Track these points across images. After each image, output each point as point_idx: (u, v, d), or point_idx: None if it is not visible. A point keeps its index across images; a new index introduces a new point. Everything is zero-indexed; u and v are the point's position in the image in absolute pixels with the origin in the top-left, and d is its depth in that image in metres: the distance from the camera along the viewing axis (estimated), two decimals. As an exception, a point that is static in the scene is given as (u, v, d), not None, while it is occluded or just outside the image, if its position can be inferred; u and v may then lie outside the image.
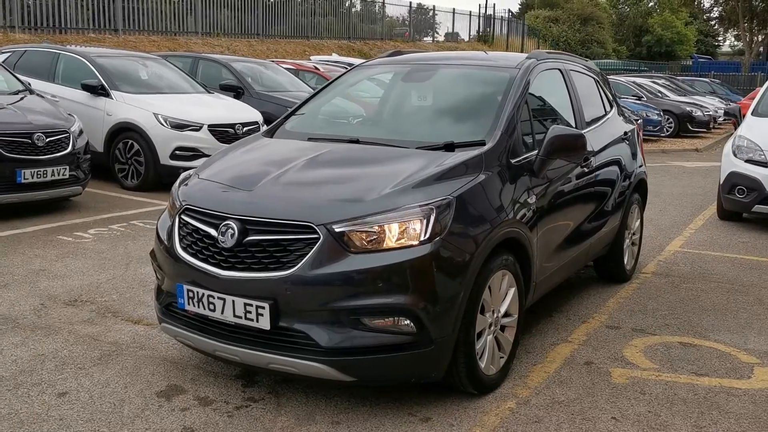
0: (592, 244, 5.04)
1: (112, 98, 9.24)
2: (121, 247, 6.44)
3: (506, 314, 3.80)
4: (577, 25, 50.59)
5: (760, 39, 44.18)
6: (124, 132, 9.15)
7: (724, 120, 23.61)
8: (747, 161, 7.97)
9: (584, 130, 4.81)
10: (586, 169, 4.76)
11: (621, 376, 3.97)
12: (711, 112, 21.19)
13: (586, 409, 3.57)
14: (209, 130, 9.09)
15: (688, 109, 20.04)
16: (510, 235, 3.71)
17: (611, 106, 5.79)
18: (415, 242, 3.24)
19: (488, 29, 38.19)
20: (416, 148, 3.94)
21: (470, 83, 4.62)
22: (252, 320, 3.28)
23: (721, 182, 8.30)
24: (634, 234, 5.96)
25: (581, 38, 50.31)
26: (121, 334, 4.42)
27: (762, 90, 9.19)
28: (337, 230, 3.23)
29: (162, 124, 8.91)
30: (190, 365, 3.99)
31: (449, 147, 3.89)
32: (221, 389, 3.70)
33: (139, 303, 5.00)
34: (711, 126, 21.23)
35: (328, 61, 17.98)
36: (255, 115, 9.86)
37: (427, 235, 3.26)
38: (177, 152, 8.94)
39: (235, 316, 3.32)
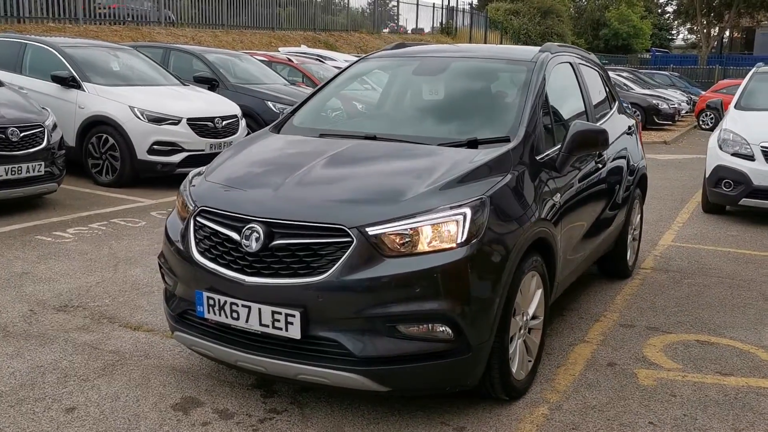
0: (603, 241, 4.96)
1: (84, 90, 8.86)
2: (105, 248, 6.15)
3: (533, 316, 3.68)
4: (537, 18, 50.82)
5: (715, 32, 45.04)
6: (97, 126, 8.78)
7: (687, 112, 24.00)
8: (733, 155, 8.00)
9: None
10: (600, 165, 4.67)
11: (648, 378, 3.88)
12: (676, 105, 21.48)
13: (621, 414, 3.47)
14: (188, 124, 8.78)
15: (654, 101, 20.26)
16: (540, 235, 3.59)
17: (614, 101, 5.71)
18: (452, 245, 3.09)
19: (451, 21, 38.17)
20: (438, 145, 3.79)
21: (486, 77, 4.48)
22: (281, 329, 3.09)
23: (707, 175, 8.33)
24: (635, 229, 5.91)
25: (541, 31, 50.59)
26: (122, 342, 4.18)
27: (743, 83, 9.26)
28: (371, 233, 3.05)
29: (139, 118, 8.58)
30: (203, 375, 3.78)
31: (472, 144, 3.75)
32: (240, 401, 3.51)
33: (135, 308, 4.76)
34: (675, 118, 21.51)
35: (297, 52, 17.68)
36: (234, 108, 9.58)
37: (464, 238, 3.11)
38: (155, 147, 8.62)
39: (261, 324, 3.13)
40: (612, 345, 4.35)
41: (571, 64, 4.86)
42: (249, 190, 3.43)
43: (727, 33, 47.11)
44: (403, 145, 3.80)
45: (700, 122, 22.21)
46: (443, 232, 3.11)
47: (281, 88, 11.49)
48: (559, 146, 4.02)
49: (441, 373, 3.16)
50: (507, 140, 3.76)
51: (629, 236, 5.67)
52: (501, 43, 39.22)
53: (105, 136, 8.72)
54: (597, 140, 4.01)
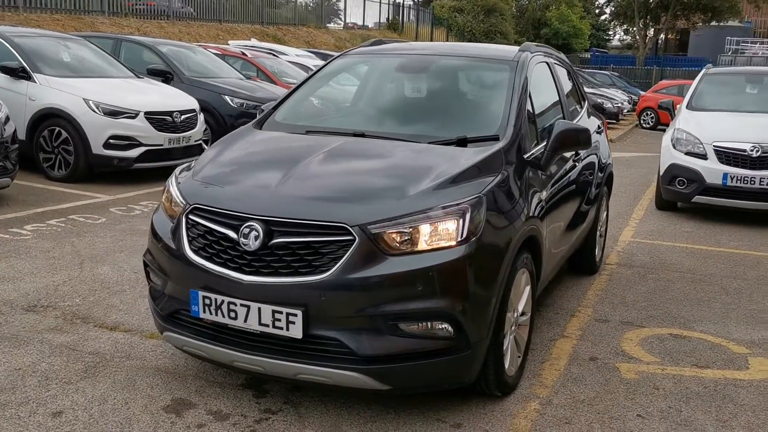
0: (578, 236, 5.07)
1: (35, 82, 8.54)
2: (68, 245, 5.96)
3: (522, 313, 3.73)
4: (481, 16, 51.42)
5: (651, 34, 46.39)
6: (49, 118, 8.48)
7: (629, 111, 24.66)
8: (687, 153, 8.26)
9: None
10: (576, 163, 4.76)
11: (630, 372, 3.98)
12: (619, 104, 22.04)
13: (610, 408, 3.55)
14: (146, 118, 8.57)
15: (599, 100, 20.74)
16: (531, 233, 3.64)
17: (584, 100, 5.83)
18: (452, 243, 3.11)
19: (397, 17, 38.26)
20: (428, 143, 3.80)
21: (470, 76, 4.51)
22: (281, 328, 3.05)
23: (661, 174, 8.58)
24: (602, 225, 6.05)
25: (485, 29, 51.20)
26: (100, 343, 4.06)
27: (694, 85, 9.56)
28: (373, 232, 3.05)
29: (94, 111, 8.32)
30: (190, 375, 3.71)
31: (461, 142, 3.77)
32: (233, 401, 3.45)
33: (108, 307, 4.63)
34: (619, 117, 22.08)
35: (248, 46, 17.45)
36: (192, 102, 9.39)
37: (464, 236, 3.13)
38: (111, 141, 8.37)
39: (261, 324, 3.09)
40: (591, 340, 4.44)
41: (547, 63, 4.93)
42: (245, 188, 3.38)
43: (663, 35, 48.55)
44: (394, 143, 3.80)
45: (642, 121, 22.86)
46: (444, 230, 3.12)
47: (238, 82, 11.32)
48: (543, 144, 4.08)
49: (441, 370, 3.17)
50: (496, 139, 3.80)
51: (597, 232, 5.80)
52: (447, 40, 39.52)
53: (58, 129, 8.43)
54: (580, 139, 4.09)
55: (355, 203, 3.17)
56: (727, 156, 7.98)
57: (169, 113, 8.86)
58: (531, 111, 4.20)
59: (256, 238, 3.08)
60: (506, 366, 3.51)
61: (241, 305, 3.10)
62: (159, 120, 8.71)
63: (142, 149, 8.55)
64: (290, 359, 3.09)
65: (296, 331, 3.03)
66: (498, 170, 3.55)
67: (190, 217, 3.33)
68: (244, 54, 13.73)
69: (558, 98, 4.90)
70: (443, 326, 3.11)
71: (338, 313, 3.04)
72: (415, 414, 3.40)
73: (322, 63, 16.62)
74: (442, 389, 3.39)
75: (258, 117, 4.39)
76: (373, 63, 4.81)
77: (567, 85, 5.28)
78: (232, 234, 3.16)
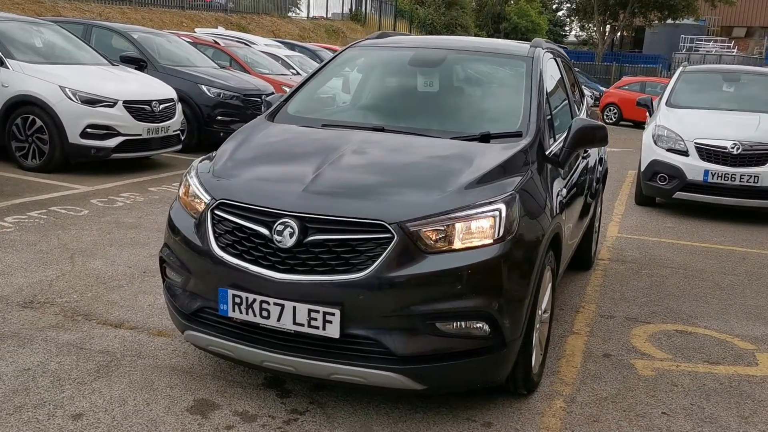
0: (582, 232, 5.09)
1: (8, 68, 8.23)
2: (54, 238, 5.76)
3: (544, 310, 3.72)
4: (442, 9, 51.54)
5: (607, 30, 47.12)
6: (23, 106, 8.17)
7: (592, 107, 24.94)
8: (668, 150, 8.39)
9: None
10: (585, 159, 4.77)
11: (646, 368, 4.01)
12: (583, 99, 22.29)
13: (634, 405, 3.57)
14: (125, 107, 8.33)
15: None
16: (556, 230, 3.63)
17: (583, 96, 5.85)
18: (489, 241, 3.07)
19: (360, 8, 38.05)
20: (451, 139, 3.76)
21: (485, 71, 4.47)
22: (317, 328, 2.98)
23: (642, 170, 8.70)
24: (597, 221, 6.10)
25: (446, 22, 51.37)
26: (107, 341, 3.92)
27: (672, 83, 9.70)
28: (411, 229, 2.99)
29: (71, 99, 8.05)
30: (207, 375, 3.60)
31: (484, 138, 3.74)
32: (257, 402, 3.36)
33: (108, 303, 4.48)
34: (583, 112, 22.34)
35: (214, 34, 17.13)
36: (170, 92, 9.17)
37: (501, 233, 3.09)
38: (88, 130, 8.12)
39: (295, 323, 3.00)
40: (600, 336, 4.47)
41: (555, 60, 4.93)
42: (275, 183, 3.28)
43: (619, 32, 49.31)
44: (418, 139, 3.74)
45: (605, 117, 23.18)
46: (481, 228, 3.08)
47: (213, 71, 11.12)
48: (561, 141, 4.07)
49: (476, 370, 3.14)
50: (519, 135, 3.77)
51: (594, 227, 5.84)
52: (410, 32, 39.49)
53: (32, 117, 8.14)
54: (598, 136, 4.08)
55: (391, 200, 3.11)
56: (708, 153, 8.12)
57: (148, 102, 8.64)
58: (548, 107, 4.19)
59: (291, 235, 3.00)
60: (533, 364, 3.50)
61: (275, 304, 3.02)
62: (138, 109, 8.48)
63: (120, 139, 8.32)
64: (325, 359, 3.02)
65: (333, 331, 2.96)
66: (526, 167, 3.52)
67: (216, 212, 3.22)
68: (216, 42, 13.47)
69: (566, 94, 4.90)
70: (479, 325, 3.07)
71: (375, 313, 2.98)
72: (444, 413, 3.36)
73: (290, 53, 16.54)
74: (475, 389, 3.36)
75: (269, 109, 4.28)
76: (384, 56, 4.73)
77: (570, 81, 5.29)
78: (264, 231, 3.07)
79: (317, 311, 2.96)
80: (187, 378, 3.56)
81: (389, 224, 2.98)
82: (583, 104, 5.62)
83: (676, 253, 6.75)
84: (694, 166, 8.14)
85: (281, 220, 3.03)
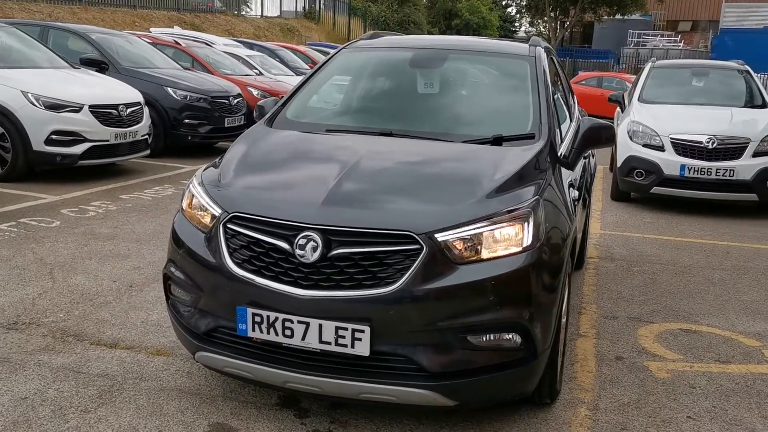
0: (582, 232, 5.04)
1: (-35, 73, 7.84)
2: (28, 252, 5.47)
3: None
4: (395, 6, 51.51)
5: (555, 25, 47.76)
6: (-17, 113, 7.81)
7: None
8: (644, 146, 8.43)
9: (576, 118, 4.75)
10: (584, 159, 4.71)
11: (661, 371, 3.96)
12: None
13: (658, 410, 3.51)
14: (91, 112, 8.01)
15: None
16: (574, 234, 3.55)
17: (573, 94, 5.80)
18: (519, 249, 2.97)
19: (314, 6, 37.73)
20: (463, 142, 3.65)
21: (489, 71, 4.37)
22: (345, 346, 2.83)
23: (618, 165, 8.73)
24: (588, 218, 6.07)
25: (399, 19, 51.36)
26: (105, 364, 3.71)
27: (642, 78, 9.77)
28: (440, 240, 2.86)
29: (34, 104, 7.69)
30: (217, 396, 3.42)
31: (497, 141, 3.64)
32: (276, 423, 3.20)
33: (98, 322, 4.24)
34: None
35: (172, 34, 16.71)
36: (136, 95, 8.87)
37: (530, 241, 2.99)
38: (53, 137, 7.78)
39: (321, 342, 2.85)
40: (608, 338, 4.41)
41: (551, 58, 4.85)
42: (292, 194, 3.12)
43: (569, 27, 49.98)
44: (430, 143, 3.62)
45: (563, 111, 23.38)
46: (510, 236, 2.98)
47: (178, 72, 10.82)
48: (568, 142, 4.00)
49: (508, 383, 3.03)
50: (532, 137, 3.68)
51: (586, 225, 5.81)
52: (365, 30, 39.34)
53: (-8, 124, 7.77)
54: (605, 136, 4.01)
55: (417, 210, 2.98)
56: (683, 148, 8.19)
57: (115, 107, 8.33)
58: (554, 107, 4.11)
59: (315, 249, 2.84)
60: (558, 372, 3.42)
61: (299, 322, 2.86)
62: (104, 114, 8.18)
63: (87, 145, 8.00)
64: (353, 378, 2.88)
65: (363, 349, 2.82)
66: (544, 171, 3.43)
67: (229, 226, 3.05)
68: (177, 43, 13.12)
69: (565, 93, 4.84)
70: (510, 337, 2.96)
71: (406, 328, 2.85)
72: (469, 427, 3.25)
73: (251, 53, 16.23)
74: (506, 402, 3.26)
75: (267, 114, 4.10)
76: (382, 58, 4.58)
77: (564, 80, 5.23)
78: (284, 245, 2.90)
79: (345, 329, 2.82)
80: (197, 401, 3.37)
81: (417, 235, 2.84)
82: (575, 102, 5.57)
83: (662, 248, 6.77)
84: (670, 161, 8.20)
85: (303, 234, 2.87)
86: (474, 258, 2.91)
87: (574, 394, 3.64)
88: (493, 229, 2.95)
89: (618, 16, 45.09)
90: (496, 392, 3.07)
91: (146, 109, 8.96)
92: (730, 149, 8.10)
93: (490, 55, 4.48)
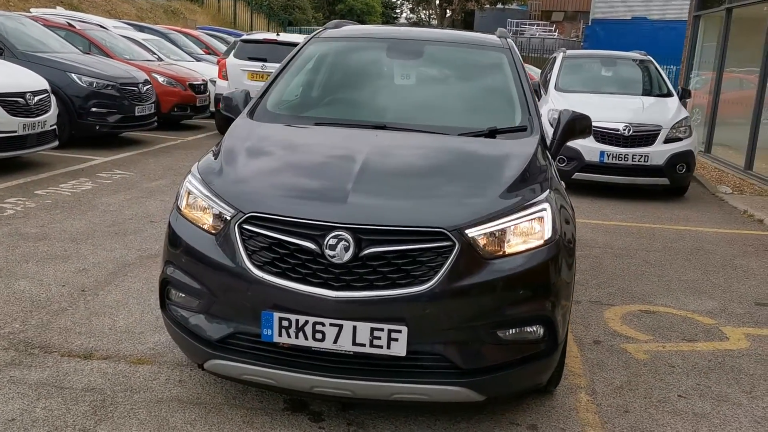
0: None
1: None
2: (-46, 256, 5.00)
3: (554, 305, 3.72)
4: (280, -11, 50.64)
5: (448, 14, 48.64)
6: None
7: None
8: (565, 133, 8.73)
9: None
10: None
11: (638, 352, 4.14)
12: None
13: (650, 392, 3.66)
14: (-3, 101, 7.39)
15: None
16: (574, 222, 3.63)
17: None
18: (541, 242, 3.00)
19: (197, -11, 36.45)
20: (458, 135, 3.64)
21: (466, 61, 4.35)
22: (381, 347, 2.76)
23: (539, 152, 9.00)
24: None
25: (283, 3, 50.59)
26: (86, 376, 3.45)
27: (557, 67, 10.11)
28: (470, 235, 2.85)
29: (-68, 93, 7.01)
30: (221, 404, 3.26)
31: (491, 133, 3.66)
32: (293, 430, 3.09)
33: (61, 330, 3.94)
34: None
35: (55, 14, 15.65)
36: (42, 82, 8.25)
37: (550, 233, 3.03)
38: (-45, 128, 7.13)
39: (355, 344, 2.77)
40: (579, 323, 4.55)
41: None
42: (313, 192, 3.00)
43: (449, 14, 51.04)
44: (429, 137, 3.59)
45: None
46: (532, 229, 3.00)
47: (81, 57, 10.16)
48: (552, 134, 4.07)
49: (531, 374, 3.06)
50: (523, 129, 3.73)
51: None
52: (251, 14, 38.52)
53: None
54: (584, 126, 4.11)
55: (445, 206, 2.95)
56: (603, 135, 8.55)
57: (22, 95, 7.73)
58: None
59: (346, 249, 2.75)
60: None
61: (331, 325, 2.76)
62: (11, 103, 7.57)
63: (-7, 137, 7.38)
64: (386, 379, 2.82)
65: (399, 349, 2.76)
66: (545, 163, 3.48)
67: (246, 227, 2.89)
68: (70, 25, 12.30)
69: (530, 85, 4.91)
70: (533, 329, 3.00)
71: (441, 326, 2.82)
72: (485, 419, 3.26)
73: (148, 36, 15.51)
74: (524, 393, 3.29)
75: (248, 107, 3.92)
76: (357, 48, 4.47)
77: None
78: (311, 245, 2.79)
79: (381, 329, 2.75)
80: (201, 411, 3.20)
81: (449, 231, 2.81)
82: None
83: (595, 232, 7.06)
84: (591, 148, 8.55)
85: (334, 233, 2.77)
86: (501, 253, 2.91)
87: (569, 380, 3.73)
88: (518, 223, 2.97)
89: (498, 6, 46.55)
90: (520, 384, 3.09)
91: (53, 98, 8.36)
92: (644, 136, 8.55)
93: (466, 47, 4.48)
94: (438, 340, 2.83)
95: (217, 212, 3.00)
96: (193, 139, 11.75)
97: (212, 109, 12.83)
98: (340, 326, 2.76)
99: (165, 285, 3.17)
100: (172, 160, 9.49)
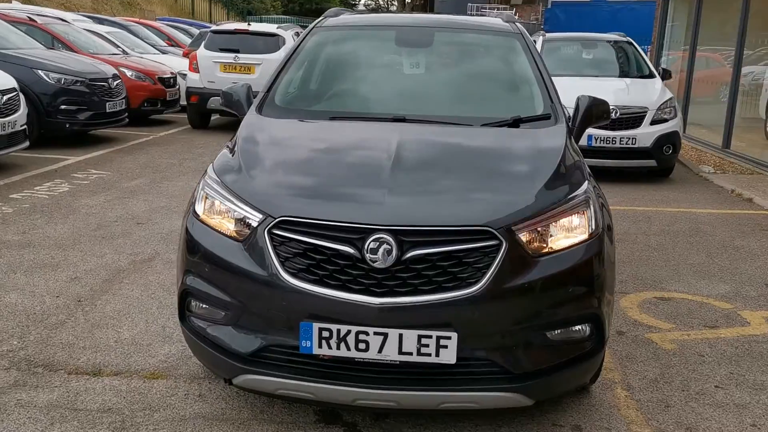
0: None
1: None
2: (-66, 269, 4.69)
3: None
4: (237, -21, 49.85)
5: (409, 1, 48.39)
6: None
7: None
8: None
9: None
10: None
11: (664, 341, 4.04)
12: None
13: (687, 383, 3.56)
14: (-36, 101, 7.01)
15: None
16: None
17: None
18: (585, 237, 2.86)
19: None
20: (481, 126, 3.48)
21: (480, 49, 4.18)
22: (429, 355, 2.60)
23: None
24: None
25: (241, -9, 49.81)
26: (99, 395, 3.23)
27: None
28: (517, 233, 2.69)
29: None
30: (249, 420, 3.07)
31: (515, 123, 3.50)
32: (331, 444, 2.92)
33: (64, 346, 3.70)
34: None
35: (10, 8, 15.06)
36: (10, 80, 7.86)
37: (594, 227, 2.90)
38: None
39: (401, 353, 2.60)
40: (598, 313, 4.44)
41: (520, 34, 4.77)
42: (347, 193, 2.81)
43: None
44: (455, 129, 3.43)
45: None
46: (576, 224, 2.86)
47: (47, 53, 9.77)
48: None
49: (578, 374, 2.93)
50: (547, 117, 3.59)
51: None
52: (210, 4, 37.81)
53: None
54: (601, 112, 3.98)
55: (487, 202, 2.79)
56: (590, 118, 8.45)
57: (-10, 94, 7.34)
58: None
59: (389, 252, 2.57)
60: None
61: (375, 334, 2.59)
62: (-21, 103, 7.19)
63: (-38, 139, 7.01)
64: (435, 388, 2.66)
65: (449, 356, 2.60)
66: (576, 153, 3.35)
67: (277, 232, 2.69)
68: (31, 19, 11.81)
69: (548, 70, 4.77)
70: (579, 328, 2.86)
71: (491, 330, 2.66)
72: (527, 422, 3.13)
73: (111, 29, 15.03)
74: (568, 394, 3.17)
75: (255, 103, 3.70)
76: (364, 37, 4.26)
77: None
78: (350, 250, 2.60)
79: (429, 336, 2.58)
80: (229, 427, 3.00)
81: (495, 230, 2.65)
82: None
83: (591, 218, 6.96)
84: (578, 132, 8.44)
85: (374, 236, 2.59)
86: (548, 250, 2.77)
87: (602, 375, 3.59)
88: (562, 218, 2.83)
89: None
90: (567, 385, 2.96)
91: (22, 96, 7.99)
92: (631, 118, 8.49)
93: (476, 32, 4.30)
94: (488, 345, 2.67)
95: (241, 217, 2.80)
96: (165, 134, 11.40)
97: (183, 103, 12.47)
98: (385, 335, 2.59)
99: (185, 296, 2.96)
100: (149, 158, 9.16)
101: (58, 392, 3.23)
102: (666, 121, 8.66)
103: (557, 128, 3.47)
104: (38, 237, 5.53)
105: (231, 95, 3.89)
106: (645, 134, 8.49)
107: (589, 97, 3.97)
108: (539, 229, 2.76)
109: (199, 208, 2.98)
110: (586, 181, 3.06)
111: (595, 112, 3.91)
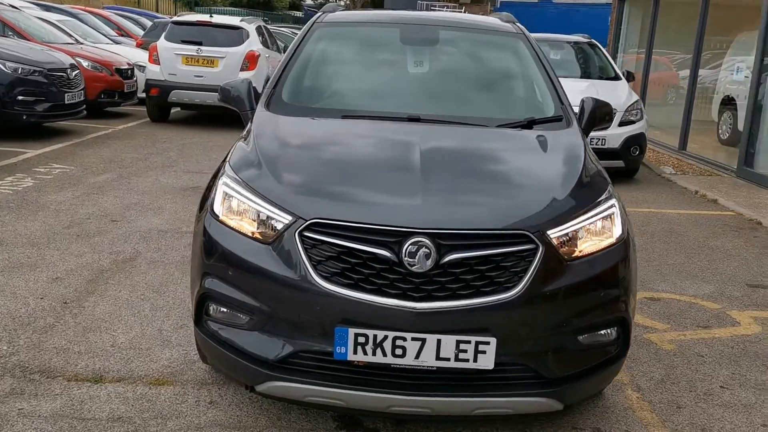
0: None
1: None
2: None
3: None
4: (185, -31, 48.91)
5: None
6: None
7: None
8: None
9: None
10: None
11: (663, 342, 4.09)
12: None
13: (693, 384, 3.61)
14: None
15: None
16: None
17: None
18: (614, 240, 2.86)
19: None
20: (497, 127, 3.45)
21: (485, 49, 4.13)
22: (467, 360, 2.55)
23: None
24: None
25: (190, -18, 48.92)
26: (105, 403, 3.08)
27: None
28: (552, 237, 2.67)
29: None
30: (268, 427, 2.98)
31: (529, 124, 3.49)
32: (357, 451, 2.85)
33: (58, 351, 3.53)
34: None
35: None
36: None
37: (620, 230, 2.90)
38: None
39: (439, 359, 2.55)
40: (594, 314, 4.48)
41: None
42: (380, 195, 2.74)
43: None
44: (473, 130, 3.39)
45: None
46: (605, 227, 2.87)
47: (1, 41, 9.31)
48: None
49: (605, 377, 2.93)
50: (559, 119, 3.58)
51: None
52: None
53: None
54: (604, 114, 3.99)
55: (522, 206, 2.75)
56: (561, 119, 8.55)
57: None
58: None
59: (428, 256, 2.52)
60: (610, 358, 3.39)
61: (413, 339, 2.53)
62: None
63: None
64: (470, 394, 2.62)
65: (487, 362, 2.56)
66: (593, 156, 3.35)
67: (308, 235, 2.61)
68: (-11, 11, 11.29)
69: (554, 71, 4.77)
70: (606, 332, 2.86)
71: (528, 335, 2.64)
72: (548, 426, 3.12)
73: (62, 17, 14.51)
74: (591, 399, 3.17)
75: (264, 99, 3.59)
76: (367, 34, 4.17)
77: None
78: (387, 254, 2.54)
79: (468, 342, 2.54)
80: (249, 436, 2.91)
81: (531, 233, 2.63)
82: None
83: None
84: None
85: (413, 240, 2.53)
86: (580, 254, 2.75)
87: (610, 377, 3.63)
88: (592, 222, 2.82)
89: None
90: (594, 388, 2.97)
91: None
92: (600, 119, 8.59)
93: (479, 32, 4.26)
94: (523, 350, 2.65)
95: (267, 218, 2.70)
96: (124, 127, 11.05)
97: (141, 95, 12.13)
98: (423, 340, 2.53)
99: (203, 299, 2.84)
100: (112, 152, 8.87)
101: (61, 401, 3.07)
102: (633, 122, 8.82)
103: (573, 130, 3.47)
104: (8, 234, 5.28)
105: (230, 91, 3.77)
106: (614, 135, 8.63)
107: (593, 99, 3.97)
108: (573, 232, 2.74)
109: (219, 208, 2.86)
110: (609, 185, 3.06)
111: (599, 114, 3.92)
